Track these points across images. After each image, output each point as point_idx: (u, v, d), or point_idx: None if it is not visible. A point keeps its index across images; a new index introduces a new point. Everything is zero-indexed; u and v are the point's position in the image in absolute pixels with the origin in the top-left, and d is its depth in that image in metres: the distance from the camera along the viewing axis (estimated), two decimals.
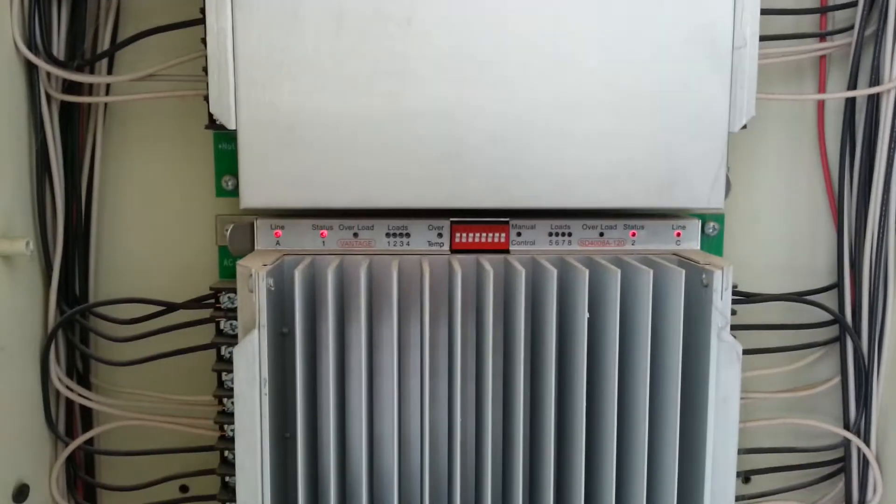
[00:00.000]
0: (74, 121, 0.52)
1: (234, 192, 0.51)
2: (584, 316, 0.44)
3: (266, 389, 0.42)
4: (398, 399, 0.46)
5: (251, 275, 0.42)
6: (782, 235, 0.56)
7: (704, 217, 0.52)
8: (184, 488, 0.56)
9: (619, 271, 0.44)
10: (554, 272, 0.44)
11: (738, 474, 0.47)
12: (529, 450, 0.48)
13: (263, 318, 0.42)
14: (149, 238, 0.54)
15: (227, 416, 0.49)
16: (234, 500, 0.44)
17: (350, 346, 0.48)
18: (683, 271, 0.44)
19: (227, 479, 0.50)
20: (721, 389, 0.44)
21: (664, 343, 0.45)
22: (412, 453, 0.50)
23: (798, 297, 0.54)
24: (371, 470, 0.48)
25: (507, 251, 0.49)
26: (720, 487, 0.45)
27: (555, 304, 0.44)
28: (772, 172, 0.56)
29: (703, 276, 0.44)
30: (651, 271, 0.44)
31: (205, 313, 0.50)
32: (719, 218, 0.54)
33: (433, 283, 0.46)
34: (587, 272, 0.44)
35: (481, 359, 0.47)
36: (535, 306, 0.47)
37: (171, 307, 0.51)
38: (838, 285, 0.54)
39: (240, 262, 0.44)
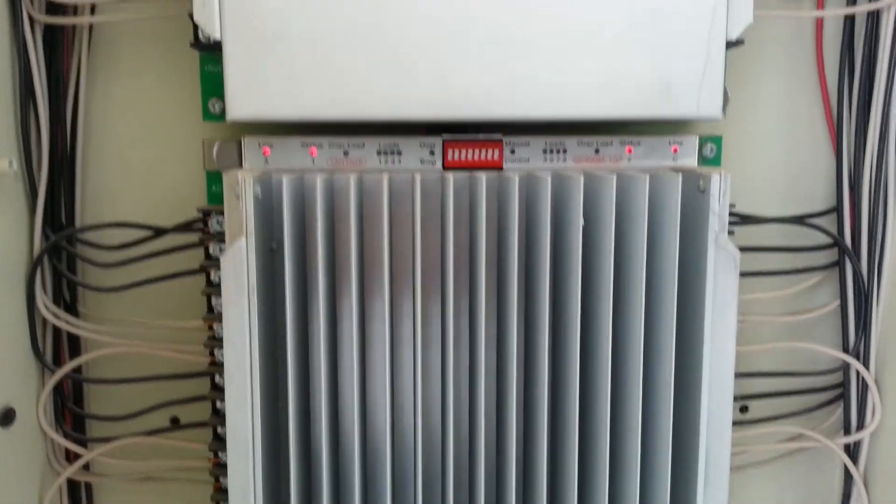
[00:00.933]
0: (58, 44, 0.51)
1: (222, 116, 0.50)
2: (578, 224, 0.43)
3: (255, 298, 0.42)
4: (390, 316, 0.46)
5: (238, 181, 0.41)
6: (780, 159, 0.55)
7: (702, 139, 0.51)
8: (174, 421, 0.55)
9: (614, 176, 0.43)
10: (548, 179, 0.43)
11: (735, 399, 0.47)
12: (524, 361, 0.48)
13: (251, 224, 0.41)
14: (135, 163, 0.53)
15: (217, 341, 0.49)
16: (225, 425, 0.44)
17: (340, 263, 0.47)
18: (680, 175, 0.43)
19: (217, 404, 0.50)
20: (719, 296, 0.43)
21: (661, 250, 0.44)
22: (404, 363, 0.49)
23: (797, 219, 0.53)
24: (363, 373, 0.47)
25: (500, 169, 0.48)
26: (718, 389, 0.44)
27: (549, 212, 0.43)
28: (770, 95, 0.55)
29: (700, 181, 0.43)
30: (647, 175, 0.43)
31: (193, 238, 0.49)
32: (717, 140, 0.53)
33: (425, 197, 0.45)
34: (581, 178, 0.43)
35: (474, 271, 0.46)
36: (530, 216, 0.46)
37: (158, 232, 0.51)
38: (837, 208, 0.54)
39: (226, 172, 0.43)
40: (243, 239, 0.41)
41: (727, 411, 0.45)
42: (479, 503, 0.47)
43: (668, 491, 0.45)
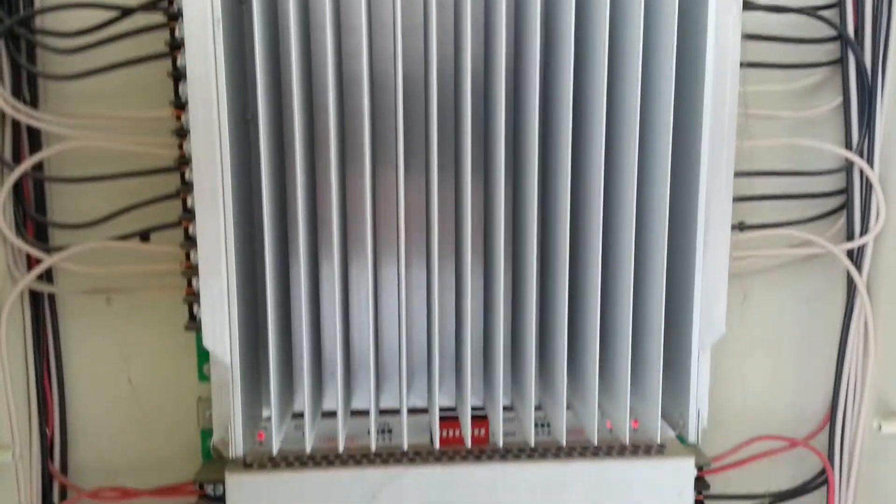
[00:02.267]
0: None
1: None
2: None
3: (220, 30, 0.38)
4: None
5: None
6: None
7: None
8: (144, 237, 0.52)
9: None
10: None
11: (735, 199, 0.44)
12: (513, 167, 0.45)
13: None
14: None
15: (185, 132, 0.46)
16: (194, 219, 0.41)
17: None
18: None
19: (187, 201, 0.47)
20: (719, 38, 0.40)
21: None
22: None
23: (802, 10, 0.51)
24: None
25: None
26: (716, 181, 0.42)
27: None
28: None
29: None
30: None
31: (159, 18, 0.46)
32: None
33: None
34: None
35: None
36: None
37: (124, 12, 0.47)
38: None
39: None
40: None
41: (726, 210, 0.43)
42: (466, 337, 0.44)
43: (662, 298, 0.42)
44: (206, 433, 0.53)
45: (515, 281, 0.46)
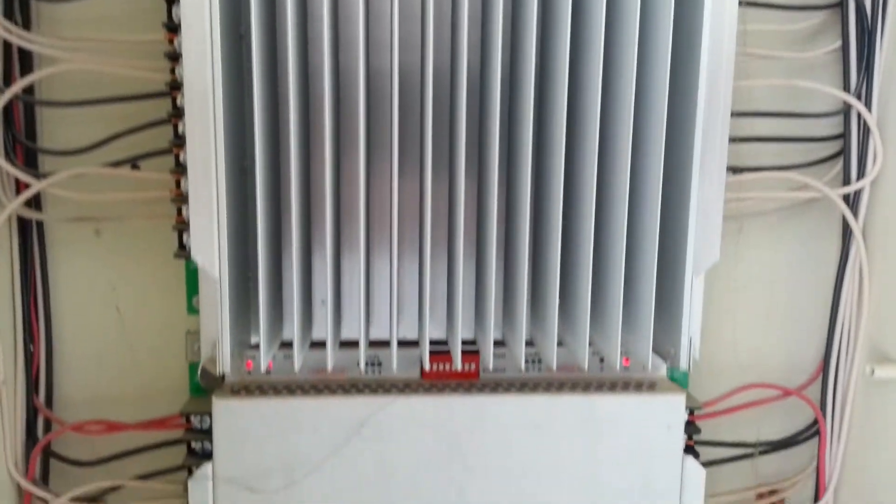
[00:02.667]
0: None
1: None
2: None
3: None
4: None
5: None
6: None
7: None
8: (135, 165, 0.51)
9: None
10: None
11: (732, 140, 0.44)
12: (509, 98, 0.45)
13: None
14: None
15: (177, 56, 0.45)
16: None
17: None
18: None
19: (179, 128, 0.46)
20: None
21: None
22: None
23: None
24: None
25: None
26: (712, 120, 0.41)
27: None
28: None
29: None
30: None
31: None
32: None
33: None
34: None
35: None
36: None
37: None
38: None
39: None
40: None
41: (723, 134, 0.42)
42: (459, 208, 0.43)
43: (657, 223, 0.41)
44: (195, 367, 0.52)
45: (509, 208, 0.45)
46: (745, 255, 0.55)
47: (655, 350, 0.44)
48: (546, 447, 0.47)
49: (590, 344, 0.44)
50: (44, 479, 0.53)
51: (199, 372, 0.48)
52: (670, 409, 0.47)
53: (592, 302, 0.42)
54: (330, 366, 0.42)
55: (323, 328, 0.45)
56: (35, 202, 0.51)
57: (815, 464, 0.56)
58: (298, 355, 0.42)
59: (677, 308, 0.42)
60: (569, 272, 0.43)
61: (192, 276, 0.51)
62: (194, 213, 0.40)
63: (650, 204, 0.40)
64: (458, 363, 0.44)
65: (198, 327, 0.50)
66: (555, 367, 0.42)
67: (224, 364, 0.40)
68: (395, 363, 0.44)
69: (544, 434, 0.47)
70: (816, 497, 0.57)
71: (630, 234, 0.41)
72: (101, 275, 0.52)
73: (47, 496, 0.52)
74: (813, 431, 0.57)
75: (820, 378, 0.56)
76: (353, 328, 0.48)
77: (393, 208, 0.41)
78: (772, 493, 0.58)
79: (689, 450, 0.48)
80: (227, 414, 0.45)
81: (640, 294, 0.42)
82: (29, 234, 0.51)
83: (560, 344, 0.46)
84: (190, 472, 0.46)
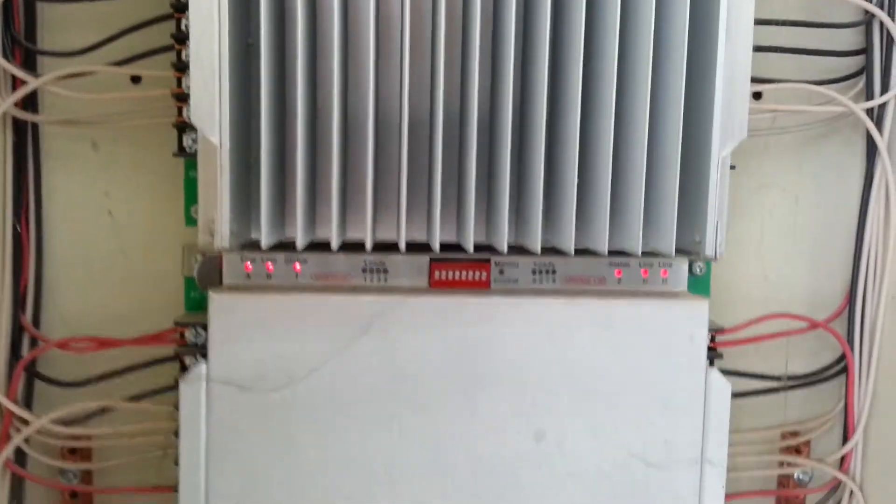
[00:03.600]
0: None
1: None
2: None
3: None
4: None
5: None
6: None
7: None
8: (135, 80, 0.50)
9: None
10: None
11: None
12: None
13: None
14: None
15: None
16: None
17: None
18: None
19: (182, 53, 0.44)
20: None
21: None
22: None
23: None
24: None
25: None
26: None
27: None
28: None
29: None
30: None
31: None
32: None
33: None
34: None
35: None
36: None
37: None
38: None
39: None
40: None
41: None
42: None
43: (681, 97, 0.40)
44: (191, 282, 0.50)
45: (524, 90, 0.43)
46: (768, 176, 0.53)
47: (679, 248, 0.42)
48: (560, 356, 0.44)
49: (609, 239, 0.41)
50: (28, 403, 0.50)
51: (196, 269, 0.46)
52: (692, 317, 0.44)
53: (612, 187, 0.40)
54: (335, 243, 0.39)
55: (327, 228, 0.43)
56: (31, 104, 0.49)
57: (842, 404, 0.53)
58: (302, 224, 0.39)
59: (703, 193, 0.40)
60: (587, 149, 0.41)
61: (190, 186, 0.49)
62: (195, 77, 0.38)
63: (674, 72, 0.38)
64: (470, 243, 0.41)
65: (195, 240, 0.48)
66: (573, 250, 0.40)
67: (222, 238, 0.38)
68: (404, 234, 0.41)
69: (559, 342, 0.44)
70: (845, 438, 0.53)
71: (653, 110, 0.39)
72: (95, 185, 0.50)
73: (29, 416, 0.49)
74: (840, 368, 0.54)
75: (846, 312, 0.53)
76: (358, 228, 0.45)
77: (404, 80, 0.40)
78: (795, 434, 0.55)
79: (713, 362, 0.45)
80: (223, 309, 0.42)
81: (663, 178, 0.40)
82: (24, 138, 0.49)
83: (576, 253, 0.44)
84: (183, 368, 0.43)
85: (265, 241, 0.39)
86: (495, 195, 0.43)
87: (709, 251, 0.40)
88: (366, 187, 0.41)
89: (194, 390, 0.42)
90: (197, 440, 0.43)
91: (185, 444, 0.43)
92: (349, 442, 0.44)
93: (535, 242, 0.40)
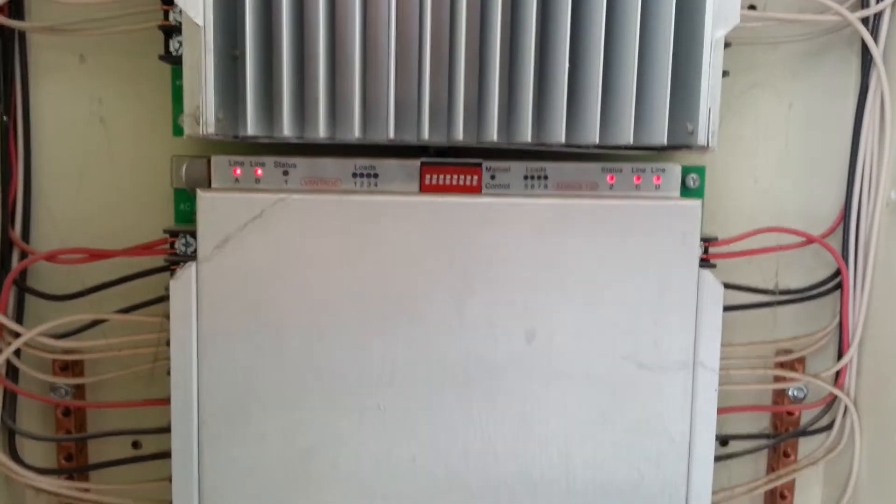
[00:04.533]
0: None
1: None
2: None
3: None
4: None
5: None
6: None
7: None
8: None
9: None
10: None
11: None
12: None
13: None
14: None
15: None
16: None
17: None
18: None
19: None
20: None
21: None
22: None
23: None
24: None
25: None
26: None
27: None
28: None
29: None
30: None
31: None
32: None
33: None
34: None
35: None
36: None
37: None
38: None
39: None
40: None
41: None
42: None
43: None
44: (180, 193, 0.49)
45: None
46: (761, 79, 0.53)
47: (672, 144, 0.41)
48: (552, 257, 0.44)
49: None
50: (19, 319, 0.50)
51: (183, 170, 0.46)
52: (685, 217, 0.44)
53: (604, 75, 0.39)
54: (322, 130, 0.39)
55: (317, 130, 0.42)
56: (17, 12, 0.48)
57: (837, 321, 0.53)
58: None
59: (695, 82, 0.39)
60: (578, 35, 0.40)
61: (178, 94, 0.48)
62: None
63: None
64: (458, 132, 0.41)
65: (184, 151, 0.48)
66: (563, 136, 0.39)
67: (208, 124, 0.38)
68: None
69: (551, 243, 0.44)
70: (839, 354, 0.53)
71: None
72: (84, 97, 0.50)
73: (20, 329, 0.49)
74: (834, 284, 0.53)
75: (840, 228, 0.53)
76: (347, 129, 0.44)
77: None
78: (789, 352, 0.54)
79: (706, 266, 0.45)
80: (212, 207, 0.42)
81: (656, 64, 0.40)
82: (10, 47, 0.48)
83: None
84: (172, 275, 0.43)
85: (252, 129, 0.39)
86: (485, 84, 0.41)
87: (701, 139, 0.39)
88: (353, 80, 0.41)
89: (185, 289, 0.42)
90: (188, 342, 0.43)
91: (175, 345, 0.43)
92: (340, 343, 0.44)
93: (525, 130, 0.40)
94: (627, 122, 0.40)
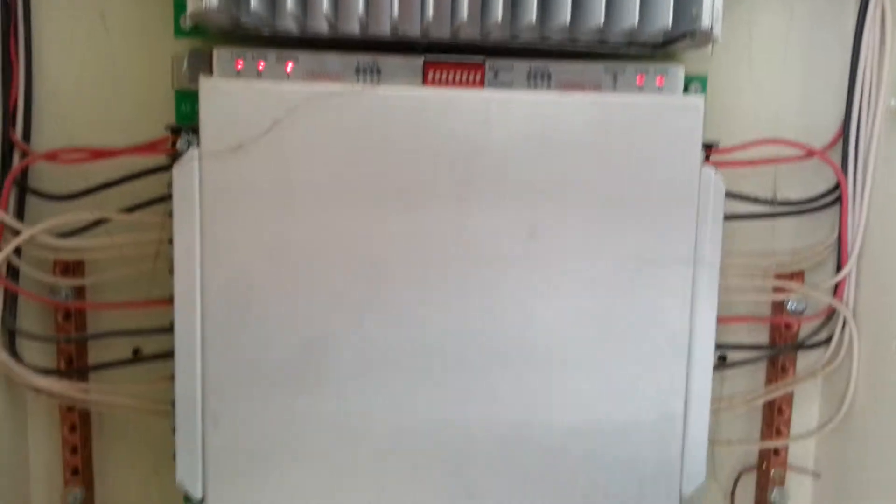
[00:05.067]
0: None
1: None
2: None
3: None
4: None
5: None
6: None
7: None
8: None
9: None
10: None
11: None
12: None
13: None
14: None
15: None
16: None
17: None
18: None
19: None
20: None
21: None
22: None
23: None
24: None
25: None
26: None
27: None
28: None
29: None
30: None
31: None
32: None
33: None
34: None
35: None
36: None
37: None
38: None
39: None
40: None
41: None
42: None
43: None
44: (181, 94, 0.49)
45: None
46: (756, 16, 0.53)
47: (676, 26, 0.41)
48: (554, 155, 0.44)
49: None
50: (20, 220, 0.50)
51: (185, 60, 0.46)
52: (687, 113, 0.44)
53: None
54: None
55: (320, 21, 0.42)
56: None
57: (836, 234, 0.53)
58: None
59: None
60: None
61: None
62: None
63: None
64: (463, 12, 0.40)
65: (185, 51, 0.48)
66: (568, 19, 0.39)
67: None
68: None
69: (552, 138, 0.44)
70: (838, 268, 0.53)
71: None
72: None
73: (20, 226, 0.48)
74: (833, 198, 0.54)
75: (840, 143, 0.53)
76: (350, 22, 0.44)
77: None
78: (787, 266, 0.55)
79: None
80: (215, 93, 0.42)
81: None
82: None
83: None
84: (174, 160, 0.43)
85: (255, 5, 0.39)
86: None
87: (706, 21, 0.39)
88: None
89: (188, 171, 0.42)
90: (192, 231, 0.43)
91: (178, 234, 0.43)
92: (342, 234, 0.44)
93: (530, 11, 0.40)
94: (633, 3, 0.40)
